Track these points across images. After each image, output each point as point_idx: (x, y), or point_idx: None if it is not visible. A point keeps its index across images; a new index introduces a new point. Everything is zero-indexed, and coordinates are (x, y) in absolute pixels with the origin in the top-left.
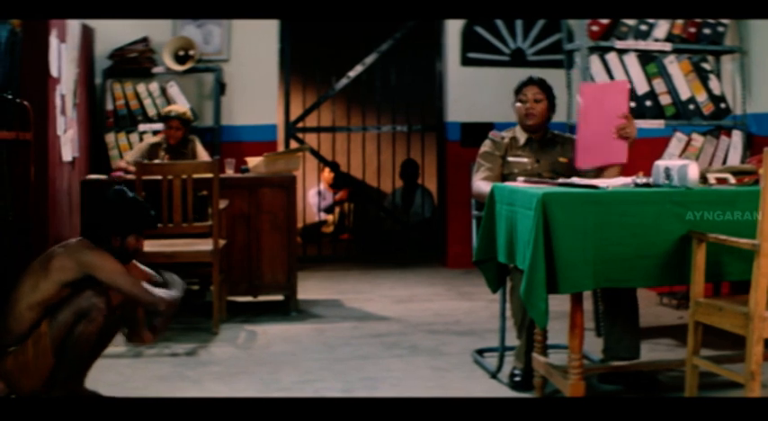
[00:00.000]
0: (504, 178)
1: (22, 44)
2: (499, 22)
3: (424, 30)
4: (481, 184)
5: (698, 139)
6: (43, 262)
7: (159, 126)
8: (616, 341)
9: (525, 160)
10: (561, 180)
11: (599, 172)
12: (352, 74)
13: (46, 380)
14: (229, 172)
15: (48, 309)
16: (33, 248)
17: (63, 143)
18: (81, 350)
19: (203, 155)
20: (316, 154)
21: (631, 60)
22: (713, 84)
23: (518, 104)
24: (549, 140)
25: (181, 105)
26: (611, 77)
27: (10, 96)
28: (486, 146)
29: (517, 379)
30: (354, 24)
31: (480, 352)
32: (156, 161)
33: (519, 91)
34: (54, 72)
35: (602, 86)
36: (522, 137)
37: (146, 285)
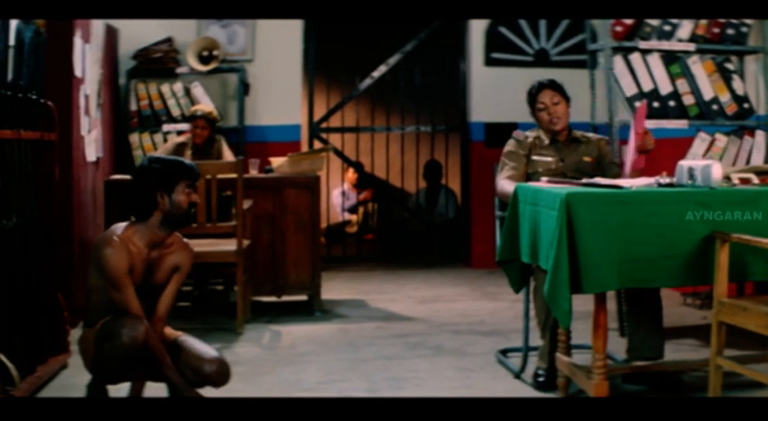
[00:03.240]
0: (529, 177)
1: (46, 44)
2: (523, 23)
3: (447, 30)
4: (505, 184)
5: (721, 140)
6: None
7: (183, 126)
8: (640, 341)
9: (549, 159)
10: (585, 180)
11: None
12: (376, 74)
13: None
14: (253, 172)
15: (104, 297)
16: (58, 248)
17: (87, 143)
18: (109, 363)
19: (228, 155)
20: (340, 154)
21: (655, 61)
22: (736, 84)
23: (539, 113)
24: (574, 140)
25: (206, 105)
26: (635, 77)
27: (34, 96)
28: (510, 145)
29: (541, 379)
30: (378, 24)
31: (504, 352)
32: None
33: (534, 99)
34: (78, 72)
35: (636, 115)
36: (546, 137)
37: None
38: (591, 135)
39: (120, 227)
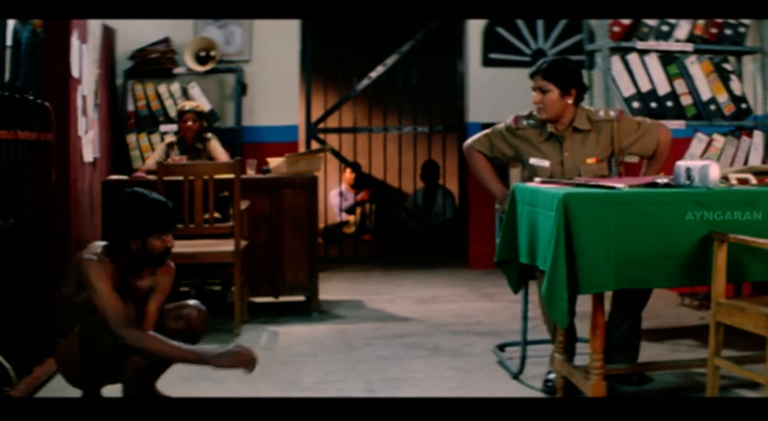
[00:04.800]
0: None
1: (43, 45)
2: (520, 23)
3: (445, 30)
4: (473, 154)
5: (719, 140)
6: (73, 259)
7: None
8: (615, 344)
9: (546, 164)
10: (579, 180)
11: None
12: (373, 74)
13: (81, 377)
14: (251, 173)
15: (81, 307)
16: (55, 249)
17: (84, 144)
18: (104, 357)
19: (221, 154)
20: (337, 154)
21: (652, 61)
22: (734, 84)
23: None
24: (577, 132)
25: (194, 101)
26: (632, 78)
27: (31, 97)
28: (502, 127)
29: (550, 384)
30: (376, 25)
31: (501, 347)
32: (177, 162)
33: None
34: (75, 73)
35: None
36: (549, 125)
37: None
38: (602, 115)
39: (98, 246)
